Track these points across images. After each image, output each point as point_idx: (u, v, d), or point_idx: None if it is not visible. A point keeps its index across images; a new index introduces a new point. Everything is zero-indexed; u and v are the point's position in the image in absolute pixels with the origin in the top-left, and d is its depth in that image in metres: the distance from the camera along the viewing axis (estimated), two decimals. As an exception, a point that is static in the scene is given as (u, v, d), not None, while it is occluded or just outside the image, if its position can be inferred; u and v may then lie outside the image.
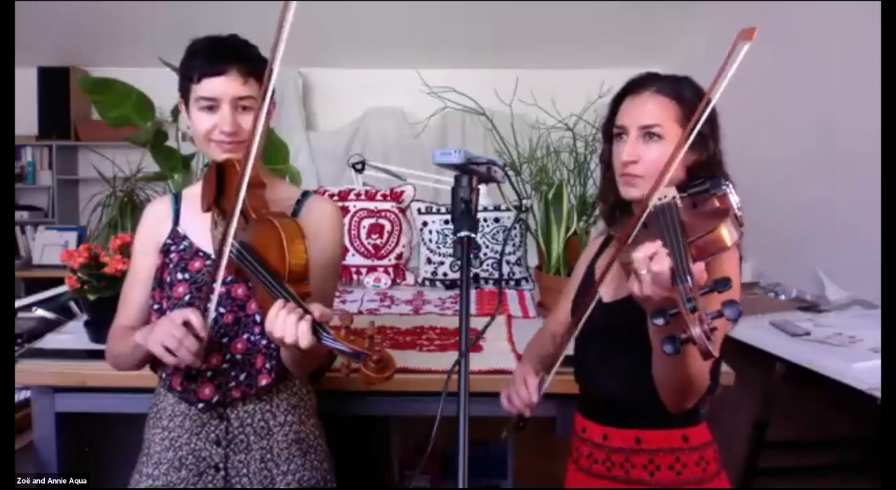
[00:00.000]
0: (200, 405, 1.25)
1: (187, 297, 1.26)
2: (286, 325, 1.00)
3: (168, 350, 1.11)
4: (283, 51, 1.05)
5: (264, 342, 1.25)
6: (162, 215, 1.36)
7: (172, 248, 1.31)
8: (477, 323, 1.90)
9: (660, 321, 0.90)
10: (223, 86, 1.21)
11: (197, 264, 1.28)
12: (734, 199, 1.11)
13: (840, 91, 3.12)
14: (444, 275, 2.51)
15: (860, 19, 2.83)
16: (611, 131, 1.28)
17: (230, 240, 1.13)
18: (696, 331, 0.85)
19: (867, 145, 2.41)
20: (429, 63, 3.95)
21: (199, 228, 1.29)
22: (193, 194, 1.32)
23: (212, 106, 1.22)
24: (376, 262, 2.54)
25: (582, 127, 2.24)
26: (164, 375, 1.30)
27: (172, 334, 1.11)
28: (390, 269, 2.55)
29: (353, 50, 4.67)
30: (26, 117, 4.82)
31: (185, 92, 1.25)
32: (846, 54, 3.08)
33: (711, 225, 1.02)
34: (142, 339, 1.18)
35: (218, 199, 1.23)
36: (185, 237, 1.31)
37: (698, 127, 1.09)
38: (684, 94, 1.20)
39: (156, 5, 3.93)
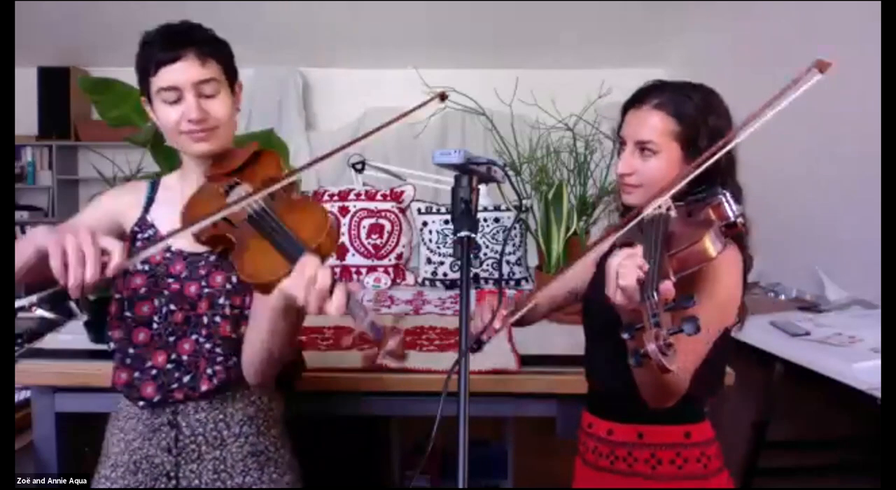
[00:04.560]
0: (141, 404, 1.22)
1: (143, 290, 1.22)
2: (319, 286, 0.97)
3: (64, 263, 0.95)
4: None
5: (208, 346, 1.21)
6: (133, 200, 1.29)
7: (139, 234, 1.26)
8: (477, 323, 1.90)
9: (625, 335, 0.94)
10: (182, 72, 1.15)
11: (157, 256, 1.23)
12: (731, 207, 1.13)
13: (840, 91, 3.11)
14: (444, 275, 2.51)
15: (860, 19, 2.83)
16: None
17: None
18: (650, 347, 0.88)
19: (867, 145, 2.41)
20: (429, 63, 3.94)
21: (168, 219, 1.22)
22: (171, 184, 1.28)
23: (175, 96, 1.16)
24: (376, 262, 2.54)
25: (582, 127, 2.24)
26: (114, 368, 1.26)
27: (81, 248, 0.95)
28: (390, 269, 2.55)
29: (353, 50, 4.67)
30: (26, 117, 4.82)
31: (145, 88, 1.19)
32: (846, 54, 3.08)
33: (695, 236, 1.05)
34: (42, 235, 1.01)
35: (232, 173, 1.20)
36: (151, 225, 1.26)
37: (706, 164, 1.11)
38: (685, 110, 1.22)
39: (155, 5, 3.93)
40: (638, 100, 1.27)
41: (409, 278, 2.56)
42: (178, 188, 1.26)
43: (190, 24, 1.21)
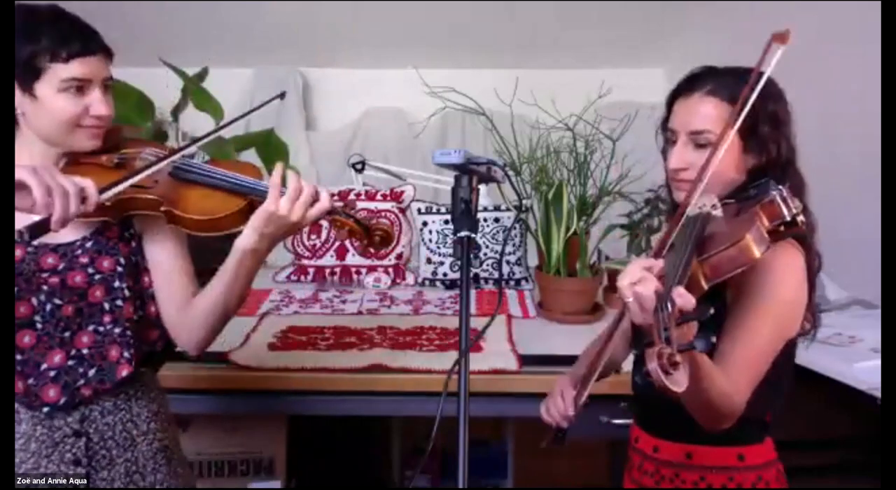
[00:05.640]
0: (46, 410, 1.15)
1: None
2: (304, 196, 1.14)
3: (47, 193, 0.98)
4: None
5: (118, 330, 1.18)
6: None
7: None
8: (477, 323, 1.90)
9: (634, 351, 0.88)
10: (97, 66, 1.15)
11: (17, 253, 1.15)
12: (786, 205, 1.02)
13: (839, 91, 3.11)
14: (444, 275, 2.51)
15: (860, 19, 2.83)
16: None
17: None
18: (651, 365, 0.81)
19: (867, 145, 2.41)
20: (429, 63, 3.94)
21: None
22: None
23: (81, 88, 1.14)
24: (376, 262, 2.54)
25: (582, 127, 2.24)
26: None
27: (63, 184, 0.99)
28: (390, 270, 2.55)
29: (353, 50, 4.66)
30: (26, 117, 4.81)
31: (30, 70, 1.11)
32: (846, 54, 3.08)
33: (735, 236, 0.96)
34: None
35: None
36: None
37: (730, 135, 1.04)
38: (741, 94, 1.11)
39: (155, 6, 3.94)
40: (687, 88, 1.17)
41: (409, 278, 2.56)
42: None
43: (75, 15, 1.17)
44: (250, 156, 2.68)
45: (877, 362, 1.89)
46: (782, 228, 1.03)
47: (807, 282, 1.14)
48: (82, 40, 1.13)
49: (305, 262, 2.55)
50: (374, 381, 1.71)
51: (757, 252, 0.96)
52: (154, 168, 1.17)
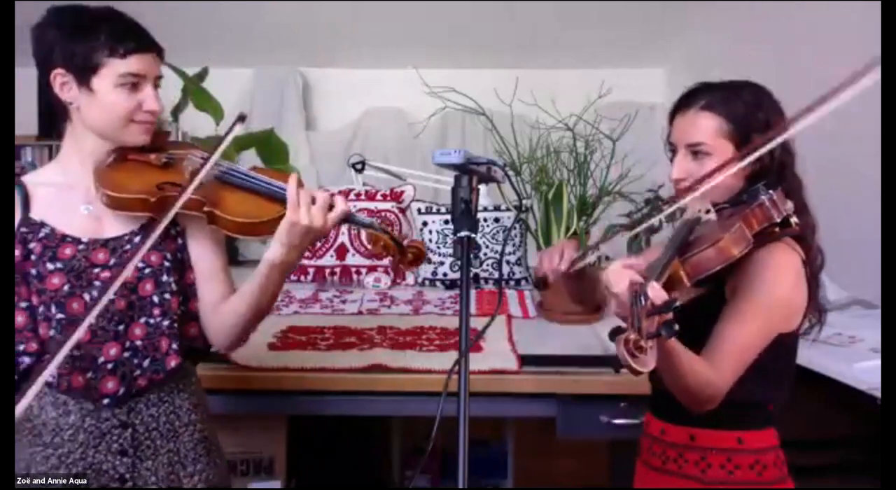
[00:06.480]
0: (106, 401, 1.18)
1: (66, 288, 1.16)
2: (319, 201, 1.16)
3: None
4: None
5: (166, 323, 1.21)
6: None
7: (30, 236, 1.18)
8: (477, 323, 1.90)
9: (610, 340, 0.95)
10: (151, 63, 1.20)
11: (68, 251, 1.18)
12: (776, 207, 1.11)
13: (840, 91, 3.11)
14: (444, 275, 2.51)
15: (860, 19, 2.83)
16: None
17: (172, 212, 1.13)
18: (619, 350, 0.89)
19: (867, 145, 2.41)
20: (429, 63, 3.95)
21: (59, 214, 1.21)
22: (53, 181, 1.24)
23: (136, 83, 1.18)
24: (376, 262, 2.54)
25: (582, 127, 2.24)
26: (53, 379, 1.16)
27: None
28: (390, 269, 2.55)
29: (353, 50, 4.66)
30: (26, 117, 4.79)
31: (89, 65, 1.15)
32: (846, 55, 3.08)
33: (715, 237, 1.05)
34: None
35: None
36: (42, 223, 1.19)
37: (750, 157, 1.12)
38: (734, 107, 1.20)
39: (155, 6, 3.93)
40: (684, 103, 1.25)
41: (409, 278, 2.56)
42: (64, 183, 1.23)
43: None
44: (251, 155, 2.68)
45: (877, 362, 1.89)
46: (777, 229, 1.12)
47: (805, 280, 1.20)
48: (137, 38, 1.18)
49: (305, 261, 2.55)
50: (374, 381, 1.71)
51: (735, 251, 1.05)
52: (202, 174, 1.18)
